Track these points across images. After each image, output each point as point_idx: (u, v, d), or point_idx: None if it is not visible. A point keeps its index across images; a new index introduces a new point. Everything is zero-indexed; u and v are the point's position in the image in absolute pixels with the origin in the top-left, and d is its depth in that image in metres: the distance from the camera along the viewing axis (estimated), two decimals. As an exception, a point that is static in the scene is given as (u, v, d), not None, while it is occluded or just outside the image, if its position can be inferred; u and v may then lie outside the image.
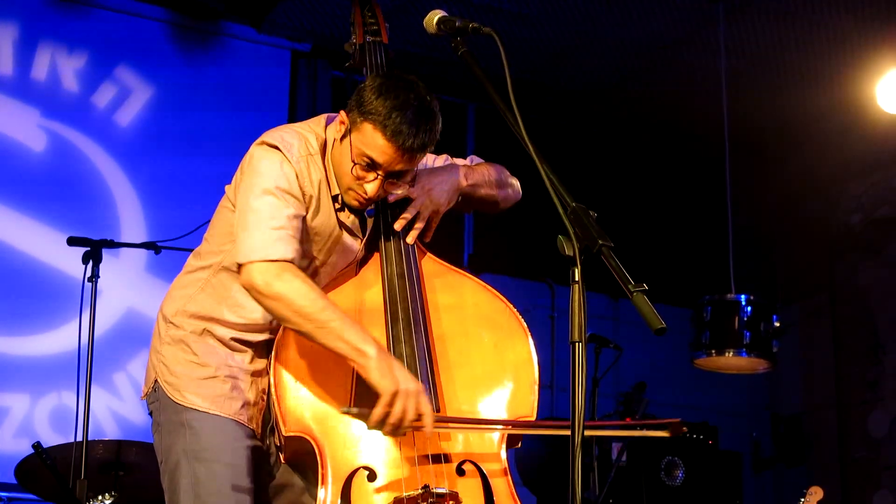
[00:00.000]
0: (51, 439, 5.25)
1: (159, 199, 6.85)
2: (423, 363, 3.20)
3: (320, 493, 3.08)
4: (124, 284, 6.61)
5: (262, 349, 3.30)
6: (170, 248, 5.27)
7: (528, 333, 3.34)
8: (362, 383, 3.07)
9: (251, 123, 7.05)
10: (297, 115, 7.33)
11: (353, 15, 3.58)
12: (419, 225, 3.33)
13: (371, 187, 3.15)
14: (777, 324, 6.04)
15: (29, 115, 6.67)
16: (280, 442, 3.21)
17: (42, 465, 4.65)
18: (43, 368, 6.37)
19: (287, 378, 3.19)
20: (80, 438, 4.78)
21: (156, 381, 3.30)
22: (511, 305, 3.37)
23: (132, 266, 6.65)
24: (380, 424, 2.99)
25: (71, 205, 6.60)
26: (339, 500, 3.06)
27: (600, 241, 2.49)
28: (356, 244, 3.32)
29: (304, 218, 3.18)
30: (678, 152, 8.44)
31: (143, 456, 4.97)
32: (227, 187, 3.35)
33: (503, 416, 3.25)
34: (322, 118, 3.36)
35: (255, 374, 3.30)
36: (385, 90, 3.11)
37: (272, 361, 3.21)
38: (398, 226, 3.30)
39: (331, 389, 3.17)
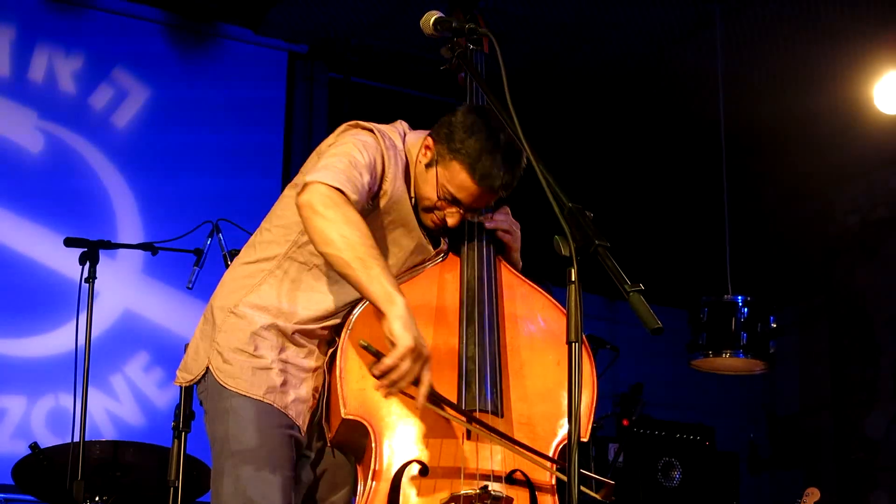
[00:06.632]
0: (48, 440, 5.23)
1: (156, 200, 6.85)
2: (493, 365, 3.20)
3: (368, 481, 3.09)
4: (121, 285, 6.61)
5: (324, 345, 3.30)
6: (167, 248, 5.26)
7: (591, 357, 3.33)
8: None
9: (248, 126, 7.07)
10: (294, 117, 7.33)
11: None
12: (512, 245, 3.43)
13: (452, 220, 3.23)
14: (774, 325, 6.04)
15: (26, 117, 6.66)
16: (330, 430, 3.22)
17: (39, 466, 4.66)
18: (40, 370, 6.36)
19: (356, 360, 3.15)
20: (77, 439, 4.78)
21: (207, 368, 3.26)
22: None
23: (129, 267, 6.64)
24: (381, 374, 2.94)
25: (68, 206, 6.59)
26: (388, 490, 3.07)
27: (596, 241, 2.48)
28: (425, 243, 3.33)
29: (372, 197, 3.17)
30: (675, 152, 8.43)
31: (140, 457, 4.98)
32: (297, 177, 3.32)
33: (555, 434, 3.24)
34: (397, 126, 3.37)
35: (311, 371, 3.29)
36: (476, 129, 3.16)
37: (344, 340, 3.17)
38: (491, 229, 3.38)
39: None
